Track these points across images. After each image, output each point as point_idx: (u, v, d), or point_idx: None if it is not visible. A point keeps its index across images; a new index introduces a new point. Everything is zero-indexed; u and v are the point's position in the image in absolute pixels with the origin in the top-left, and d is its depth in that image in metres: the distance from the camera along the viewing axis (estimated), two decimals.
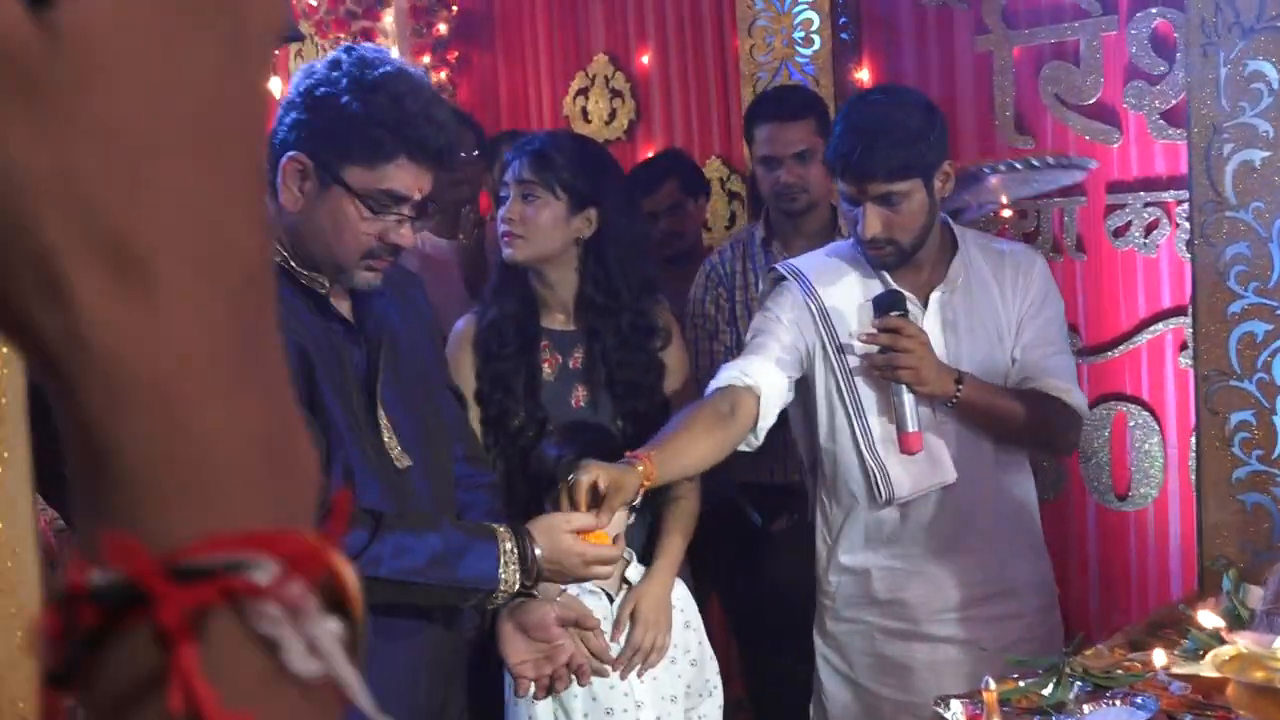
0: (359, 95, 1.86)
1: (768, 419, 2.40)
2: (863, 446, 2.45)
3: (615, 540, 2.20)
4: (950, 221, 2.59)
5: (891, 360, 2.29)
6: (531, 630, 2.16)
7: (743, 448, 2.42)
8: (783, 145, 3.17)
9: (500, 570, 1.93)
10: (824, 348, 2.46)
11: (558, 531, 2.01)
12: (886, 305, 2.33)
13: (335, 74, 1.88)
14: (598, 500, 2.05)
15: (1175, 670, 0.99)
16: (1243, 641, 1.00)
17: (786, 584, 3.19)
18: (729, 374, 2.40)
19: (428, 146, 1.89)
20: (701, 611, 3.10)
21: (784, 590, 3.20)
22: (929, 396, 2.36)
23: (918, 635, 2.51)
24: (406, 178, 1.89)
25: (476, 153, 3.76)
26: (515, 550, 1.94)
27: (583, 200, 2.46)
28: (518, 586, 1.95)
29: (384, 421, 1.96)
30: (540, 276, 2.52)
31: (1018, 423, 2.42)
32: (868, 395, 2.45)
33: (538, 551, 1.97)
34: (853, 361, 2.45)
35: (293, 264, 1.93)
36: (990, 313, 2.49)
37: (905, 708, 2.43)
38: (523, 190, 2.45)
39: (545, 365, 2.53)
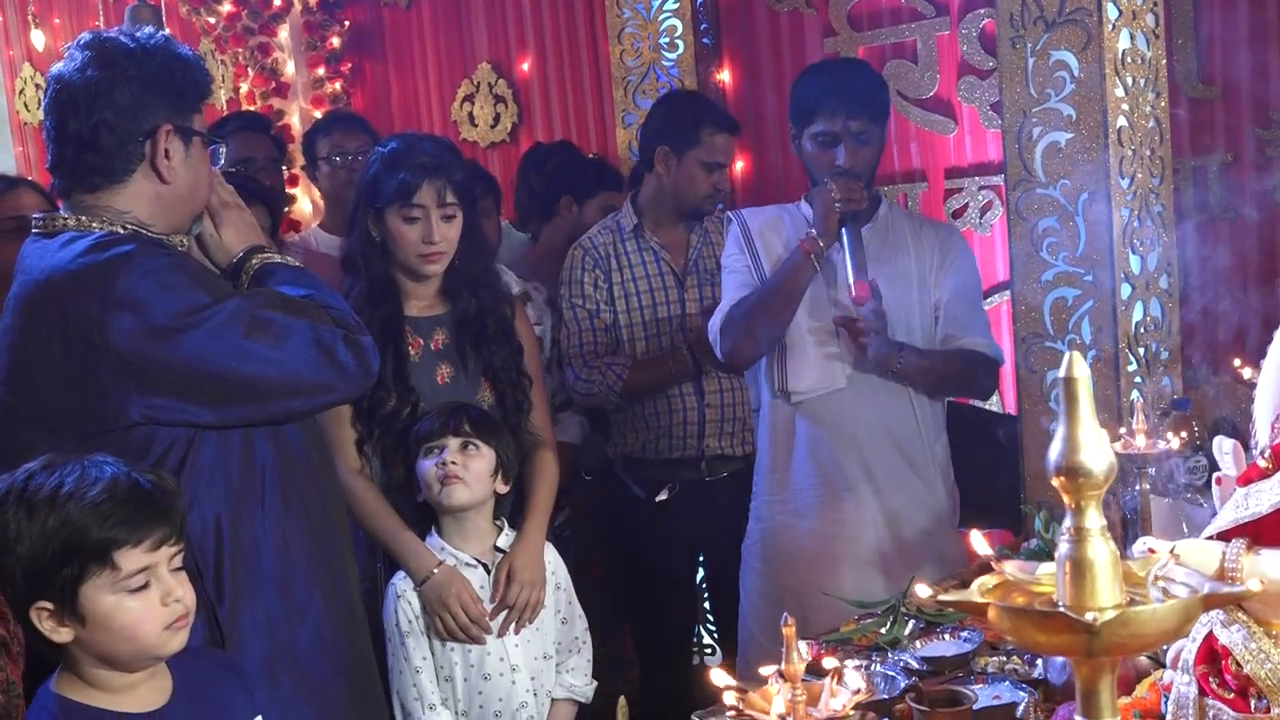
0: (164, 54, 2.01)
1: None
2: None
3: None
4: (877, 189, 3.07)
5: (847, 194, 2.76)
6: None
7: None
8: (727, 155, 3.47)
9: None
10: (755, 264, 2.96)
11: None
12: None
13: (126, 54, 1.97)
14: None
15: (943, 598, 1.11)
16: (1009, 569, 1.13)
17: (668, 543, 3.45)
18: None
19: (208, 75, 2.13)
20: (586, 573, 3.30)
21: (665, 549, 3.45)
22: (876, 365, 2.83)
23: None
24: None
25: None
26: None
27: (466, 204, 2.68)
28: None
29: None
30: (416, 273, 2.65)
31: (948, 380, 2.95)
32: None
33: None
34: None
35: (153, 233, 2.01)
36: (904, 256, 2.94)
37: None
38: (445, 212, 2.60)
39: (410, 349, 2.63)
